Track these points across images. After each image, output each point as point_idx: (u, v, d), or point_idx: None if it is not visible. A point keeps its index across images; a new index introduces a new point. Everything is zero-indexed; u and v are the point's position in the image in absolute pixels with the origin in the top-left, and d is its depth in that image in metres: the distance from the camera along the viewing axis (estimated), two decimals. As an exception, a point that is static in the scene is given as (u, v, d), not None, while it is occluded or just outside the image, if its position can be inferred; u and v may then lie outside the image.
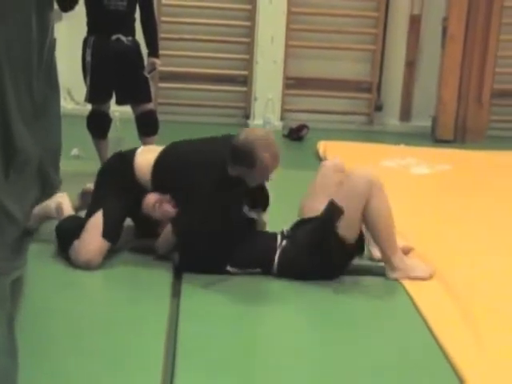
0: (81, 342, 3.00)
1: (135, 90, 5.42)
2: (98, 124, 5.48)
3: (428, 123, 7.82)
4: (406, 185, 5.66)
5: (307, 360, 3.01)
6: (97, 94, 5.37)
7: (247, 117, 7.86)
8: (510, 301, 3.65)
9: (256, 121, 7.72)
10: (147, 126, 5.49)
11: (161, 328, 3.15)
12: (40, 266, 3.67)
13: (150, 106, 5.52)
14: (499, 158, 6.59)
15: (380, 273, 3.88)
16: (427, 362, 3.06)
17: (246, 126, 7.75)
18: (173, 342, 3.07)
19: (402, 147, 6.86)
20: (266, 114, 7.58)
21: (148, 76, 5.48)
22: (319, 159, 6.36)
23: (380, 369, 2.96)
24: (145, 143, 5.54)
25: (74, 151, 6.03)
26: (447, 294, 3.67)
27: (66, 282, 3.59)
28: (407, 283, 3.76)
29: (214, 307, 3.41)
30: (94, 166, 5.53)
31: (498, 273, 4.00)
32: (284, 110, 7.91)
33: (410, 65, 7.95)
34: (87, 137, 5.54)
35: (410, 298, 3.62)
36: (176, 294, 3.50)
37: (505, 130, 7.84)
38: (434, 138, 7.63)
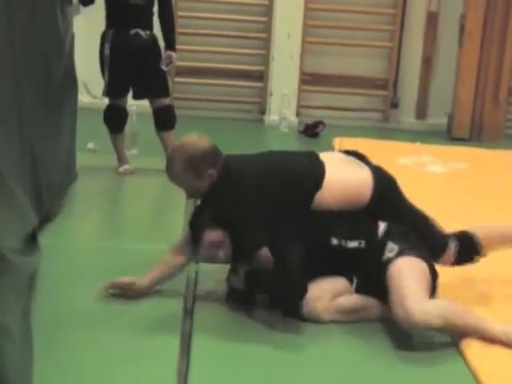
0: (95, 334, 3.01)
1: (153, 84, 5.42)
2: (115, 118, 5.49)
3: (444, 121, 7.80)
4: (421, 183, 5.64)
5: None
6: (115, 89, 5.38)
7: (263, 112, 7.86)
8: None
9: (272, 116, 7.72)
10: (164, 121, 5.50)
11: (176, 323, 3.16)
12: (53, 261, 3.67)
13: (168, 100, 5.52)
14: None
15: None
16: None
17: (262, 121, 7.76)
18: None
19: (417, 145, 6.84)
20: (282, 109, 7.57)
21: (165, 69, 5.49)
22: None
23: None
24: (162, 138, 5.55)
25: (90, 145, 6.05)
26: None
27: (79, 277, 3.59)
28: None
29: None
30: (110, 159, 5.58)
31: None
32: (300, 106, 7.91)
33: (427, 62, 7.93)
34: (103, 131, 5.55)
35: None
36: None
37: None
38: (450, 136, 7.61)
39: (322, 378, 2.82)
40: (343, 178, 3.32)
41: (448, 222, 4.72)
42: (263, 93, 7.91)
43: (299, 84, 7.88)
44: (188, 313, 3.27)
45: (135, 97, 5.53)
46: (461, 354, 3.02)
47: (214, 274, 3.51)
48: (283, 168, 3.31)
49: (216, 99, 7.85)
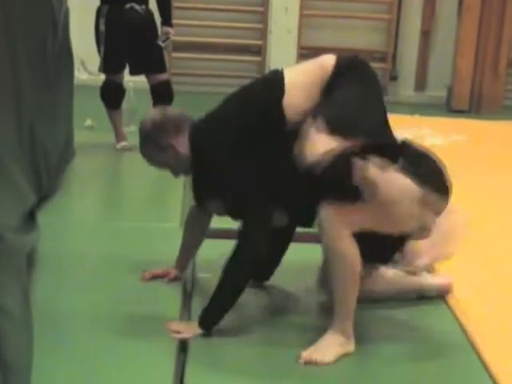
0: (96, 313, 3.00)
1: (149, 59, 5.39)
2: (112, 94, 5.46)
3: (443, 93, 7.77)
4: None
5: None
6: (111, 64, 5.34)
7: (261, 87, 7.82)
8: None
9: (270, 91, 7.67)
10: (162, 97, 5.46)
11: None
12: (52, 239, 3.66)
13: (165, 76, 5.49)
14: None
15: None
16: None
17: (260, 96, 7.73)
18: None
19: (417, 117, 6.81)
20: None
21: (162, 45, 5.45)
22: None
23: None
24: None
25: (88, 122, 6.02)
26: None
27: (79, 255, 3.58)
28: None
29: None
30: (108, 136, 5.55)
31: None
32: (298, 80, 7.86)
33: (426, 34, 7.89)
34: (101, 107, 5.52)
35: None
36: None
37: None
38: (449, 108, 7.58)
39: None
40: (303, 67, 3.03)
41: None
42: (261, 67, 7.86)
43: (297, 57, 7.83)
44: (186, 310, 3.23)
45: (132, 72, 5.49)
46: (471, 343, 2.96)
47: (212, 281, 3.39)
48: (242, 102, 3.01)
49: (214, 74, 7.81)
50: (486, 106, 7.54)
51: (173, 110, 3.13)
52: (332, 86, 2.87)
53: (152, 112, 3.12)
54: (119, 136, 5.52)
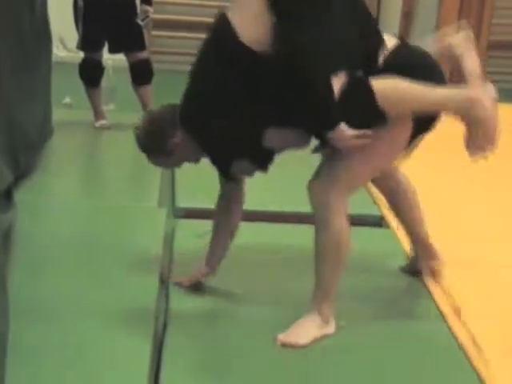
0: (74, 296, 2.98)
1: (128, 37, 5.35)
2: (91, 72, 5.41)
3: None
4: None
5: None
6: (89, 42, 5.30)
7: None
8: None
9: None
10: (141, 75, 5.43)
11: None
12: (29, 218, 3.63)
13: (144, 54, 5.45)
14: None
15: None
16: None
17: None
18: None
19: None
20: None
21: (141, 24, 5.41)
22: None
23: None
24: (139, 92, 5.49)
25: (66, 100, 5.98)
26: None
27: (57, 234, 3.56)
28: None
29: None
30: (86, 114, 5.52)
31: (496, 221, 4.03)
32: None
33: (407, 15, 7.88)
34: (79, 85, 5.48)
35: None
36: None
37: (500, 82, 7.78)
38: (429, 89, 7.58)
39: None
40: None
41: (429, 168, 4.76)
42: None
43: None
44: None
45: (111, 50, 5.45)
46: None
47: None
48: (210, 63, 2.89)
49: (194, 53, 7.74)
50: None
51: (157, 109, 2.98)
52: None
53: (140, 122, 2.94)
54: (98, 114, 5.49)
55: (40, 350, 2.50)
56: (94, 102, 5.47)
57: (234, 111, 2.72)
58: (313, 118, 2.63)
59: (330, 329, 2.81)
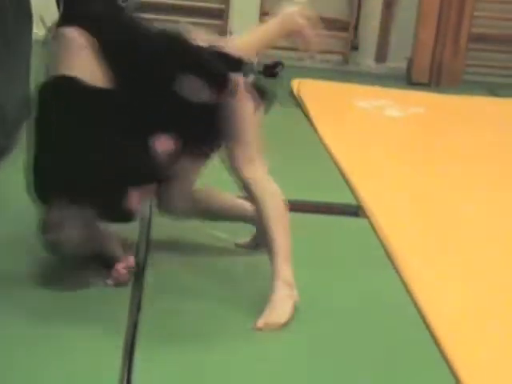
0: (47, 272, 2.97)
1: None
2: None
3: (403, 65, 7.77)
4: (380, 126, 5.64)
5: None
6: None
7: (222, 51, 7.75)
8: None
9: (230, 56, 7.61)
10: None
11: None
12: (7, 195, 3.61)
13: None
14: (472, 104, 6.58)
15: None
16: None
17: (221, 60, 7.65)
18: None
19: (376, 88, 6.82)
20: (241, 49, 7.46)
21: (123, 6, 5.35)
22: (293, 97, 6.32)
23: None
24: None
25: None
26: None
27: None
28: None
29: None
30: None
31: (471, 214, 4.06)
32: (259, 46, 7.80)
33: (388, 5, 7.86)
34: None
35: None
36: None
37: (480, 75, 7.81)
38: (409, 80, 7.59)
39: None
40: None
41: (406, 166, 4.77)
42: (222, 31, 7.79)
43: (259, 23, 7.77)
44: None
45: None
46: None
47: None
48: None
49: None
50: (445, 79, 7.56)
51: None
52: None
53: None
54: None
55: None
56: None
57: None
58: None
59: (296, 295, 2.82)
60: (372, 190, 4.18)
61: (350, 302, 3.03)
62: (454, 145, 5.30)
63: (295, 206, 3.88)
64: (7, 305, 2.71)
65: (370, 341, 2.76)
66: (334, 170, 4.52)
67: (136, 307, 2.81)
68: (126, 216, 2.76)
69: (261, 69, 7.32)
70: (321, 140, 5.07)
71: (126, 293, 2.89)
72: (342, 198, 4.12)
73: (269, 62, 7.36)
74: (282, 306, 2.77)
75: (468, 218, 4.00)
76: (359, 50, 7.99)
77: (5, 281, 2.89)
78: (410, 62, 7.67)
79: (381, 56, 8.00)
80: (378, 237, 3.64)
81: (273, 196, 2.92)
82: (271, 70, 7.26)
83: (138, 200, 2.74)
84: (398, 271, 3.30)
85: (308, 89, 6.36)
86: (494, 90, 7.27)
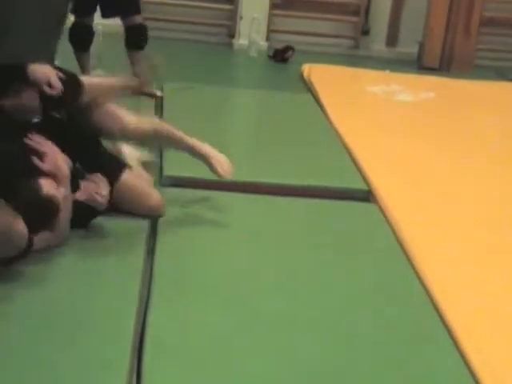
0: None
1: (123, 1, 5.27)
2: (82, 37, 5.34)
3: (414, 50, 7.73)
4: (390, 111, 5.62)
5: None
6: (82, 5, 5.21)
7: (232, 36, 7.73)
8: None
9: (241, 40, 7.59)
10: (136, 40, 5.36)
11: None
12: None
13: (139, 18, 5.37)
14: (482, 88, 6.54)
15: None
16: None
17: (231, 45, 7.64)
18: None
19: (387, 73, 6.78)
20: (252, 33, 7.45)
21: None
22: (304, 82, 6.30)
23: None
24: (131, 57, 5.42)
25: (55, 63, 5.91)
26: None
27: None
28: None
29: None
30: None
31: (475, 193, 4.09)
32: (270, 31, 7.78)
33: (398, -1, 7.82)
34: (67, 51, 5.41)
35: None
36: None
37: (492, 60, 7.76)
38: (420, 65, 7.55)
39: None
40: None
41: (416, 149, 4.75)
42: (233, 16, 7.77)
43: (270, 7, 7.74)
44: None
45: (105, 15, 5.37)
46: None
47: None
48: None
49: (183, 20, 7.68)
50: (456, 64, 7.51)
51: None
52: None
53: None
54: (86, 78, 5.43)
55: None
56: (83, 65, 5.41)
57: None
58: None
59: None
60: (382, 175, 4.17)
61: (359, 285, 3.04)
62: (465, 129, 5.27)
63: (305, 191, 3.92)
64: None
65: (378, 323, 2.77)
66: (344, 155, 4.50)
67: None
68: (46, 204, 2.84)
69: (271, 53, 7.31)
70: (331, 125, 5.05)
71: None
72: (353, 183, 4.11)
73: (279, 46, 7.34)
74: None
75: (480, 200, 3.99)
76: (370, 34, 7.95)
77: None
78: (421, 46, 7.63)
79: (392, 40, 7.96)
80: (387, 221, 3.63)
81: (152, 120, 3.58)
82: (282, 55, 7.24)
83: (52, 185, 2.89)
84: (407, 256, 3.29)
85: (318, 73, 6.33)
86: (504, 74, 7.23)
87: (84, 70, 5.40)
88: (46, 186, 2.85)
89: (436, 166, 4.48)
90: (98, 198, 3.06)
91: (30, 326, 2.51)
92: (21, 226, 2.71)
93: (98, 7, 5.31)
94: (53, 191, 2.85)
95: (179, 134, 3.51)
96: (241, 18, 7.63)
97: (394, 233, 3.51)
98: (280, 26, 7.86)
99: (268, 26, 7.75)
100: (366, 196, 3.98)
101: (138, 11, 5.35)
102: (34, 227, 2.79)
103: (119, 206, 3.26)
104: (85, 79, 3.37)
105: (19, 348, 2.37)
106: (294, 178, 4.05)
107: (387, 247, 3.41)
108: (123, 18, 5.34)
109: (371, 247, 3.41)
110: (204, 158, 3.49)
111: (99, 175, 3.12)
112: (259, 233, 3.44)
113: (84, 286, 2.82)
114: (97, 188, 3.07)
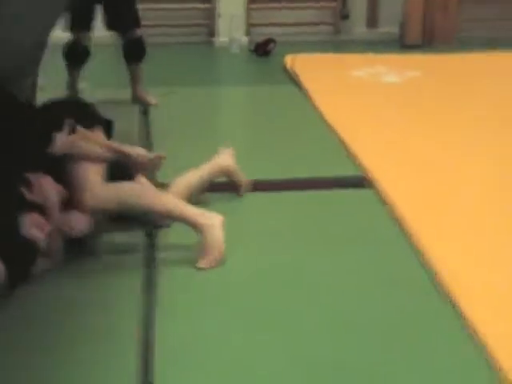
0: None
1: (125, 15, 5.20)
2: (75, 55, 5.26)
3: (396, 29, 7.71)
4: (378, 95, 5.59)
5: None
6: (77, 21, 5.15)
7: (211, 34, 7.71)
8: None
9: (222, 38, 7.57)
10: (136, 54, 5.29)
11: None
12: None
13: (139, 31, 5.28)
14: (468, 61, 6.52)
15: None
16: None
17: (211, 43, 7.62)
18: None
19: (370, 55, 6.76)
20: (232, 31, 7.42)
21: None
22: (287, 74, 6.27)
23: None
24: (130, 70, 5.37)
25: (40, 81, 5.88)
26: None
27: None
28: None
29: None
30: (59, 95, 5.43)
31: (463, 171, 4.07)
32: (249, 25, 7.75)
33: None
34: (53, 67, 5.38)
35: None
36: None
37: (474, 31, 7.74)
38: (403, 43, 7.53)
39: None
40: None
41: (411, 129, 4.73)
42: (211, 14, 7.74)
43: (247, 2, 7.72)
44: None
45: (108, 27, 5.28)
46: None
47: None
48: None
49: (162, 24, 7.65)
50: (438, 39, 7.51)
51: None
52: None
53: None
54: (72, 90, 5.38)
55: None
56: (72, 79, 5.36)
57: None
58: None
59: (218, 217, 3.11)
60: (375, 160, 4.15)
61: (361, 272, 3.04)
62: (455, 106, 5.25)
63: (299, 184, 3.90)
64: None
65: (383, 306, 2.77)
66: (335, 143, 4.49)
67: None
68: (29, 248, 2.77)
69: (253, 47, 7.28)
70: (319, 114, 5.03)
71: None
72: (346, 170, 4.10)
73: (261, 40, 7.31)
74: (214, 242, 3.03)
75: (473, 179, 3.96)
76: (350, 17, 7.92)
77: None
78: (402, 25, 7.61)
79: (372, 22, 7.94)
80: (384, 206, 3.62)
81: (121, 186, 3.13)
82: (264, 48, 7.21)
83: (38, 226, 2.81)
84: (406, 238, 3.28)
85: (302, 63, 6.31)
86: (488, 44, 7.21)
87: (72, 82, 5.36)
88: (29, 224, 2.78)
89: (430, 146, 4.46)
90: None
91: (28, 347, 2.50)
92: None
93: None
94: (34, 232, 2.78)
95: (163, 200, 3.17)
96: (219, 15, 7.60)
97: (391, 217, 3.50)
98: (259, 19, 7.84)
99: (247, 21, 7.73)
100: (361, 182, 3.96)
101: (138, 24, 5.28)
102: (12, 268, 2.68)
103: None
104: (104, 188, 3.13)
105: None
106: (288, 171, 4.05)
107: (385, 230, 3.40)
108: (124, 33, 5.26)
109: (370, 232, 3.40)
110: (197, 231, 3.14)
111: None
112: (259, 231, 3.42)
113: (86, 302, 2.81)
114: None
